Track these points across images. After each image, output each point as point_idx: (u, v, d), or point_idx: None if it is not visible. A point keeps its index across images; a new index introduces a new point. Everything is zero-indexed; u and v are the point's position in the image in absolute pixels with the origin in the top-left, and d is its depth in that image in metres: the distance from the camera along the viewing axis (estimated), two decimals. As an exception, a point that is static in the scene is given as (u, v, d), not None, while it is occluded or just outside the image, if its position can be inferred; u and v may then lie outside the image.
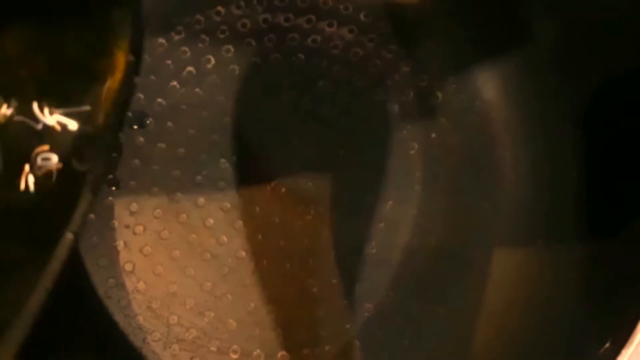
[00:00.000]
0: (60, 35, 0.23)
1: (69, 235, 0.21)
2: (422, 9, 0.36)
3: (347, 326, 0.34)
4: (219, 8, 0.36)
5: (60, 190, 0.22)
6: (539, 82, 0.35)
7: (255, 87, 0.36)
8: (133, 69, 0.23)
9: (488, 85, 0.36)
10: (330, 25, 0.36)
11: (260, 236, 0.35)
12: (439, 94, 0.36)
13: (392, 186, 0.35)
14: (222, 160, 0.35)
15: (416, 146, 0.35)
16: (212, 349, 0.34)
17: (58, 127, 0.22)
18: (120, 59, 0.23)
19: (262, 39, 0.36)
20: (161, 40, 0.36)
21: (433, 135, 0.36)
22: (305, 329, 0.34)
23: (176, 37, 0.36)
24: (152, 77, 0.35)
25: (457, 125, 0.36)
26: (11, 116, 0.22)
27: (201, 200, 0.35)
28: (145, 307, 0.34)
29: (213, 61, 0.36)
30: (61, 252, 0.22)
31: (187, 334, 0.34)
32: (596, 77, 0.32)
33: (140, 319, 0.34)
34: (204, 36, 0.36)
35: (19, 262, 0.22)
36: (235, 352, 0.34)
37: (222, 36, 0.36)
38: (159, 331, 0.34)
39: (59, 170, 0.22)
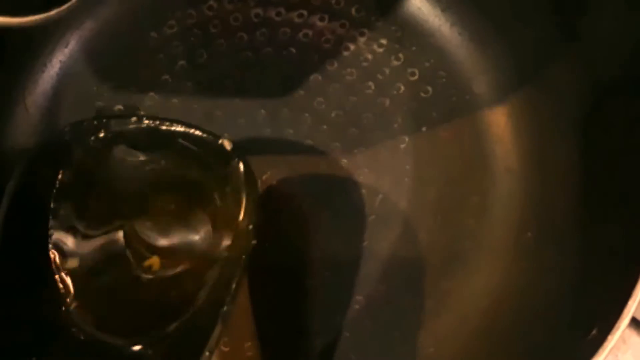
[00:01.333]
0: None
1: (207, 354, 0.27)
2: (412, 4, 0.37)
3: (338, 318, 0.34)
4: (211, 2, 0.36)
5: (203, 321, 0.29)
6: (529, 76, 0.35)
7: (248, 81, 0.36)
8: (252, 235, 0.29)
9: (478, 80, 0.36)
10: (321, 19, 0.37)
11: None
12: (430, 88, 0.36)
13: (382, 179, 0.35)
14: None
15: (407, 139, 0.36)
16: (203, 341, 0.34)
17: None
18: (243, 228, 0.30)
19: (254, 33, 0.36)
20: (153, 34, 0.36)
21: (423, 128, 0.36)
22: (296, 321, 0.34)
23: (168, 31, 0.36)
24: (145, 70, 0.36)
25: (447, 119, 0.36)
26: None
27: (193, 193, 0.35)
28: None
29: (205, 55, 0.36)
30: None
31: (178, 326, 0.34)
32: (588, 74, 0.32)
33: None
34: (196, 30, 0.36)
35: None
36: (226, 344, 0.34)
37: (214, 30, 0.36)
38: (150, 323, 0.34)
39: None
